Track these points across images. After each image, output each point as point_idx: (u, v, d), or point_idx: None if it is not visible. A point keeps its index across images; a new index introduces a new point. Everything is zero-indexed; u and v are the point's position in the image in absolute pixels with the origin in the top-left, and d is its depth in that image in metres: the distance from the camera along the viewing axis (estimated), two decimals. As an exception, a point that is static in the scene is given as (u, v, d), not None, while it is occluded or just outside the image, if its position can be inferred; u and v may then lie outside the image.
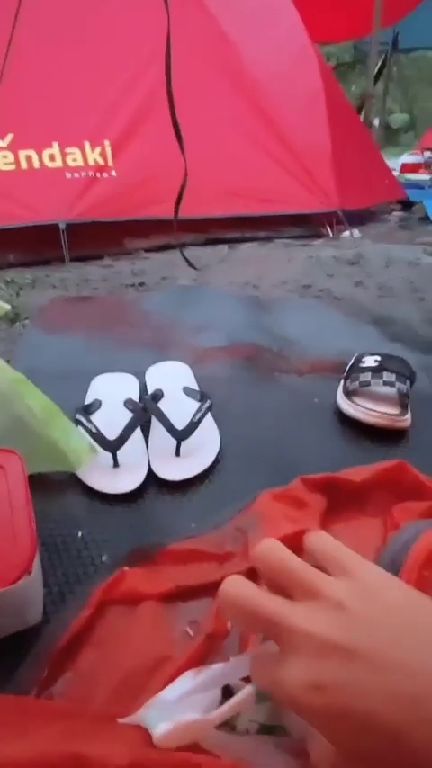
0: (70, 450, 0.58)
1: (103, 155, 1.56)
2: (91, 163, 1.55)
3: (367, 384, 0.72)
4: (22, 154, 1.50)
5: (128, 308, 1.15)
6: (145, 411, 0.65)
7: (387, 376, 0.71)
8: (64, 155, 1.53)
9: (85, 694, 0.38)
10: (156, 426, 0.66)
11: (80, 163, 1.54)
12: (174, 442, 0.62)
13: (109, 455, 0.60)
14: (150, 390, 0.74)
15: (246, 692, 0.26)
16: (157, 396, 0.71)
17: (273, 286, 1.30)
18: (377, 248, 1.62)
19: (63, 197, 1.50)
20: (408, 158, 3.62)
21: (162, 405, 0.67)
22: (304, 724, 0.23)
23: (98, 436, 0.60)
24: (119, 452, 0.60)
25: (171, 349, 0.92)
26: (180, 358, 0.85)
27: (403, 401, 0.71)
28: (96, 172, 1.55)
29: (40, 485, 0.55)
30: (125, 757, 0.20)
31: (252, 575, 0.47)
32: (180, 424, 0.62)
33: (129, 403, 0.67)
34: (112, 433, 0.60)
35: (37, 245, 1.49)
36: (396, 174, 2.93)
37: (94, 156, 1.56)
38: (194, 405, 0.67)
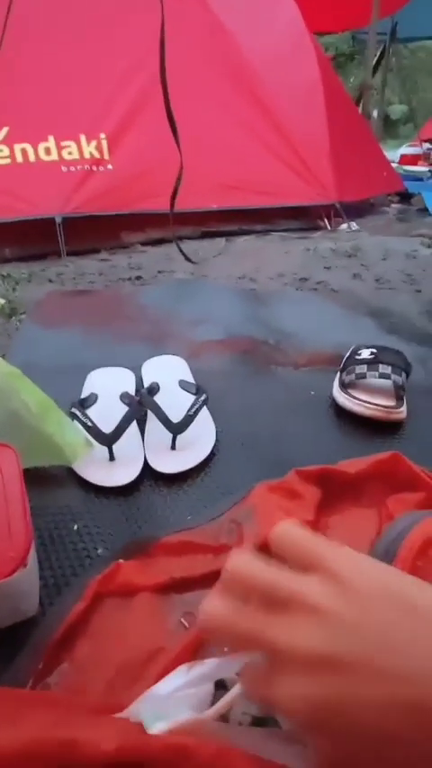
0: (66, 444, 0.58)
1: (99, 148, 1.55)
2: (87, 156, 1.54)
3: (363, 376, 0.72)
4: (18, 147, 1.49)
5: (124, 302, 1.15)
6: (141, 405, 0.66)
7: (382, 368, 0.72)
8: (60, 148, 1.52)
9: (81, 685, 0.39)
10: (152, 420, 0.66)
11: (76, 156, 1.53)
12: (170, 435, 0.62)
13: (105, 449, 0.60)
14: (146, 384, 0.74)
15: (239, 687, 0.26)
16: (153, 389, 0.71)
17: (270, 279, 1.29)
18: (375, 240, 1.62)
19: (59, 191, 1.49)
20: (407, 150, 3.61)
21: (158, 398, 0.67)
22: None
23: (94, 430, 0.60)
24: (115, 446, 0.60)
25: (168, 343, 0.92)
26: (176, 351, 0.85)
27: (399, 393, 0.71)
28: (92, 165, 1.54)
29: (36, 479, 0.55)
30: (113, 742, 0.20)
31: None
32: (176, 418, 0.63)
33: (125, 397, 0.67)
34: (107, 427, 0.61)
35: (33, 240, 1.48)
36: (395, 165, 2.92)
37: (89, 150, 1.55)
38: (190, 398, 0.67)
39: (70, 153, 1.53)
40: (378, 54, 3.57)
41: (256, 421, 0.71)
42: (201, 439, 0.65)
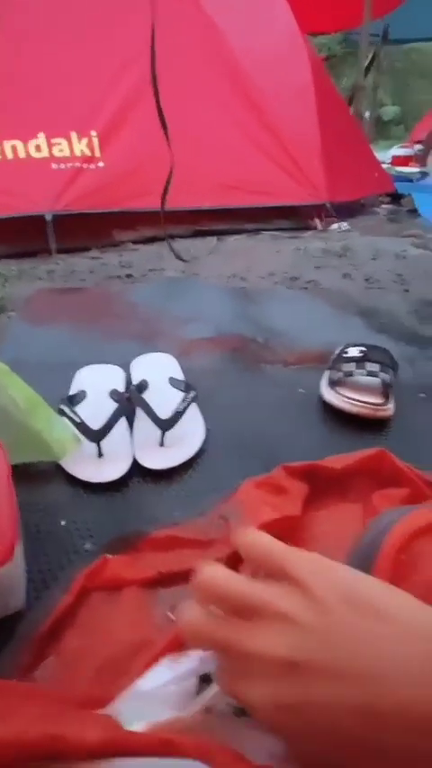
0: (54, 440, 0.58)
1: (90, 145, 1.55)
2: (78, 153, 1.54)
3: (351, 374, 0.72)
4: (7, 144, 1.48)
5: (115, 300, 1.15)
6: (129, 401, 0.66)
7: (370, 366, 0.72)
8: (50, 145, 1.52)
9: (68, 678, 0.39)
10: (140, 417, 0.66)
11: (67, 153, 1.53)
12: (158, 431, 0.62)
13: (94, 445, 0.60)
14: (135, 381, 0.74)
15: None
16: (142, 386, 0.71)
17: (260, 278, 1.30)
18: (365, 241, 1.63)
19: (49, 188, 1.49)
20: (398, 151, 3.63)
21: (147, 395, 0.68)
22: None
23: (82, 426, 0.60)
24: (103, 442, 0.60)
25: (158, 340, 0.92)
26: (167, 349, 0.86)
27: (386, 391, 0.72)
28: (83, 163, 1.53)
29: (24, 475, 0.55)
30: (98, 735, 0.21)
31: (234, 560, 0.47)
32: (164, 415, 0.63)
33: (114, 394, 0.68)
34: (96, 424, 0.61)
35: (23, 237, 1.48)
36: (386, 166, 2.94)
37: (80, 147, 1.54)
38: (179, 395, 0.68)
39: (61, 150, 1.52)
40: (370, 55, 3.59)
41: (244, 418, 0.72)
42: (189, 436, 0.65)
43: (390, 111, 6.37)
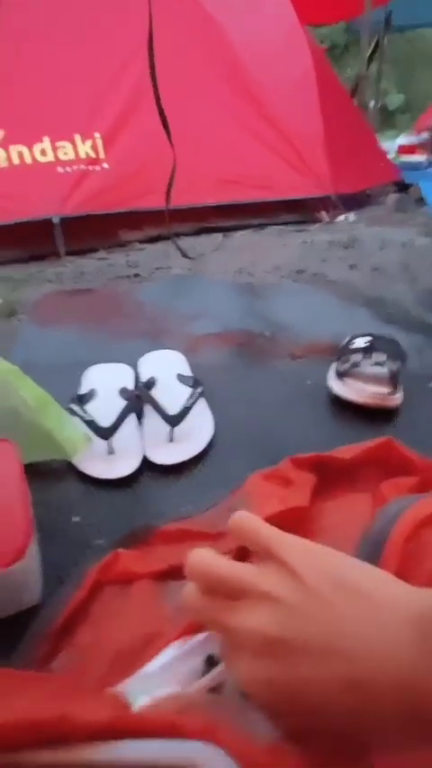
0: (65, 438, 0.60)
1: (94, 147, 1.56)
2: (82, 156, 1.55)
3: (358, 365, 0.72)
4: (14, 150, 1.50)
5: (122, 300, 1.16)
6: (138, 399, 0.67)
7: (377, 356, 0.72)
8: (55, 149, 1.53)
9: (82, 670, 0.40)
10: (149, 413, 0.67)
11: (71, 156, 1.54)
12: (167, 427, 0.63)
13: (104, 442, 0.61)
14: (144, 379, 0.75)
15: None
16: (151, 383, 0.72)
17: (266, 272, 1.30)
18: (371, 231, 1.62)
19: (56, 191, 1.50)
20: (404, 140, 3.58)
21: (155, 392, 0.68)
22: None
23: (92, 424, 0.61)
24: (113, 439, 0.61)
25: (165, 338, 0.92)
26: (174, 346, 0.86)
27: (394, 381, 0.71)
28: (88, 165, 1.55)
29: (37, 473, 0.56)
30: (105, 715, 0.21)
31: (243, 552, 0.48)
32: (173, 410, 0.64)
33: (123, 392, 0.69)
34: (106, 421, 0.62)
35: (32, 241, 1.50)
36: (392, 155, 2.91)
37: (85, 149, 1.56)
38: (187, 391, 0.68)
39: (66, 153, 1.54)
40: (373, 44, 3.55)
41: (253, 411, 0.72)
42: (198, 430, 0.66)
43: (395, 99, 6.28)
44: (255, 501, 0.51)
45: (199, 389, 0.68)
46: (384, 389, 0.70)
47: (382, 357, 0.72)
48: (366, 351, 0.73)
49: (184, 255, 1.42)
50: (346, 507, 0.53)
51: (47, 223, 1.46)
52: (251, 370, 0.84)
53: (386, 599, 0.23)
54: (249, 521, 0.27)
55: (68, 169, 1.54)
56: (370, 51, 3.27)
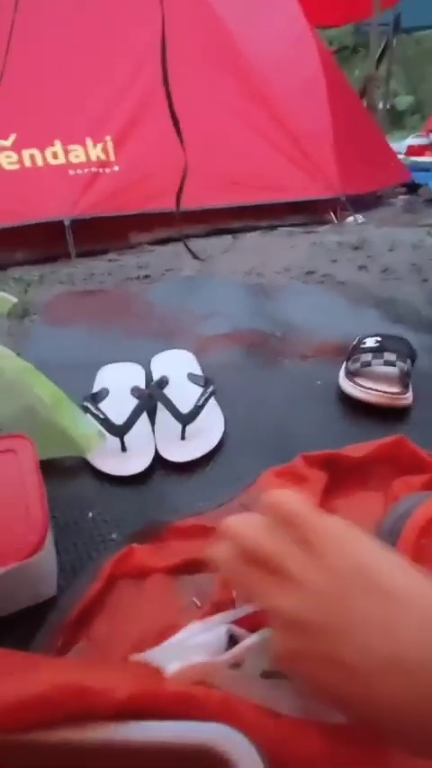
0: (79, 435, 0.60)
1: (105, 150, 1.58)
2: (93, 159, 1.56)
3: (368, 364, 0.73)
4: (26, 153, 1.52)
5: (133, 300, 1.17)
6: (150, 397, 0.67)
7: (387, 356, 0.72)
8: (66, 152, 1.55)
9: (97, 661, 0.40)
10: (161, 411, 0.68)
11: (83, 159, 1.56)
12: (179, 425, 0.64)
13: (117, 440, 0.62)
14: (156, 378, 0.76)
15: (253, 638, 0.28)
16: (163, 382, 0.73)
17: (276, 273, 1.30)
18: (381, 232, 1.62)
19: (67, 194, 1.52)
20: (413, 141, 3.57)
21: (167, 391, 0.69)
22: None
23: (106, 422, 0.62)
24: (126, 437, 0.62)
25: (176, 338, 0.93)
26: (185, 346, 0.87)
27: (404, 380, 0.72)
28: (99, 167, 1.56)
29: (53, 470, 0.57)
30: (125, 691, 0.22)
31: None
32: (185, 409, 0.64)
33: (135, 390, 0.69)
34: (119, 419, 0.62)
35: (43, 243, 1.51)
36: (402, 156, 2.90)
37: (96, 152, 1.57)
38: (198, 390, 0.69)
39: (77, 156, 1.55)
40: (382, 45, 3.54)
41: (263, 410, 0.73)
42: (209, 429, 0.66)
43: (404, 100, 6.26)
44: (267, 497, 0.51)
45: (210, 388, 0.68)
46: (395, 389, 0.70)
47: (392, 357, 0.72)
48: (377, 350, 0.73)
49: (195, 257, 1.43)
50: (357, 505, 0.54)
51: (58, 225, 1.48)
52: (261, 369, 0.84)
53: (401, 594, 0.23)
54: (288, 498, 0.27)
55: (79, 172, 1.55)
56: (379, 53, 3.27)
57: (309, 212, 1.83)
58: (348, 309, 1.08)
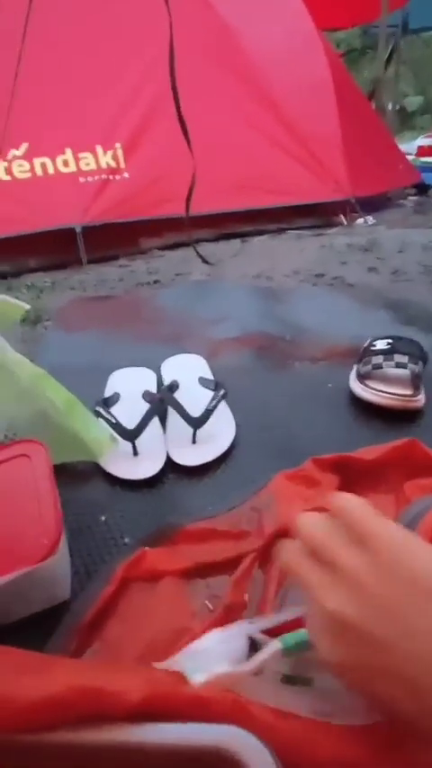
0: (91, 440, 0.61)
1: (114, 157, 1.59)
2: (103, 166, 1.58)
3: (379, 367, 0.72)
4: (37, 161, 1.54)
5: (144, 306, 1.18)
6: (161, 402, 0.68)
7: (399, 358, 0.72)
8: (77, 160, 1.57)
9: (111, 663, 0.41)
10: (172, 416, 0.68)
11: (93, 167, 1.58)
12: (190, 429, 0.64)
13: (129, 444, 0.63)
14: (166, 382, 0.76)
15: (274, 645, 0.28)
16: (173, 387, 0.73)
17: (286, 276, 1.31)
18: (391, 234, 1.61)
19: (78, 201, 1.54)
20: (423, 141, 3.55)
21: (178, 395, 0.69)
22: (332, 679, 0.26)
23: (117, 426, 0.63)
24: (138, 441, 0.63)
25: (187, 342, 0.94)
26: (195, 350, 0.88)
27: (416, 382, 0.71)
28: (109, 174, 1.58)
29: (65, 474, 0.58)
30: (139, 693, 0.22)
31: (267, 551, 0.49)
32: (195, 413, 0.65)
33: (146, 395, 0.70)
34: (131, 424, 0.63)
35: (55, 250, 1.53)
36: (412, 157, 2.89)
37: (106, 159, 1.59)
38: (209, 394, 0.69)
39: (87, 164, 1.58)
40: (390, 47, 3.54)
41: (274, 414, 0.73)
42: (220, 432, 0.66)
43: (413, 101, 6.24)
44: (279, 500, 0.52)
45: (221, 392, 0.69)
46: (406, 391, 0.70)
47: (403, 359, 0.72)
48: (388, 353, 0.73)
49: (204, 261, 1.44)
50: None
51: (69, 232, 1.50)
52: (272, 373, 0.84)
53: None
54: (357, 503, 0.27)
55: (90, 179, 1.58)
56: (387, 54, 3.27)
57: (318, 215, 1.83)
58: (359, 312, 1.07)
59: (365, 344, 0.78)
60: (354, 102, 2.07)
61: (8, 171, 1.52)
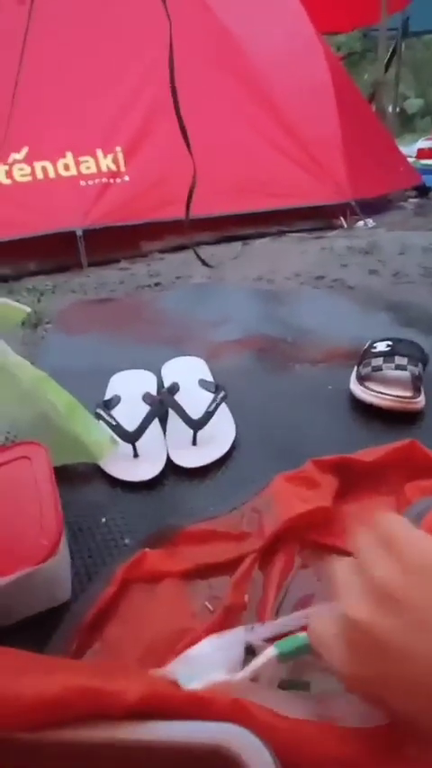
0: (92, 442, 0.61)
1: (115, 161, 1.60)
2: (104, 169, 1.59)
3: (379, 369, 0.72)
4: (38, 165, 1.55)
5: (144, 308, 1.18)
6: (162, 404, 0.68)
7: (399, 360, 0.72)
8: (78, 163, 1.58)
9: (111, 665, 0.41)
10: (173, 418, 0.68)
11: (93, 170, 1.58)
12: (190, 431, 0.64)
13: (129, 446, 0.63)
14: (167, 385, 0.77)
15: (269, 653, 0.28)
16: (174, 389, 0.73)
17: (286, 279, 1.31)
18: (391, 236, 1.62)
19: (78, 204, 1.54)
20: (423, 143, 3.57)
21: (178, 397, 0.70)
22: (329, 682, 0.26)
23: (118, 428, 0.63)
24: (138, 443, 0.63)
25: (187, 345, 0.94)
26: (196, 353, 0.88)
27: (416, 384, 0.71)
28: (109, 178, 1.59)
29: (66, 476, 0.58)
30: (137, 693, 0.22)
31: (267, 552, 0.49)
32: (196, 415, 0.65)
33: (146, 397, 0.70)
34: (131, 426, 0.63)
35: (56, 253, 1.54)
36: (412, 160, 2.90)
37: (106, 163, 1.60)
38: (209, 396, 0.69)
39: (88, 167, 1.58)
40: (390, 49, 3.55)
41: (274, 416, 0.73)
42: (221, 434, 0.67)
43: (414, 104, 6.26)
44: (279, 501, 0.52)
45: (221, 394, 0.69)
46: (406, 393, 0.70)
47: (403, 361, 0.72)
48: (388, 354, 0.73)
49: (205, 264, 1.44)
50: (369, 510, 0.54)
51: (70, 235, 1.50)
52: (272, 375, 0.84)
53: None
54: (394, 519, 0.27)
55: (90, 182, 1.58)
56: (387, 57, 3.28)
57: (318, 217, 1.84)
58: (359, 314, 1.08)
59: (365, 346, 0.79)
60: (354, 104, 2.08)
61: (9, 174, 1.53)
